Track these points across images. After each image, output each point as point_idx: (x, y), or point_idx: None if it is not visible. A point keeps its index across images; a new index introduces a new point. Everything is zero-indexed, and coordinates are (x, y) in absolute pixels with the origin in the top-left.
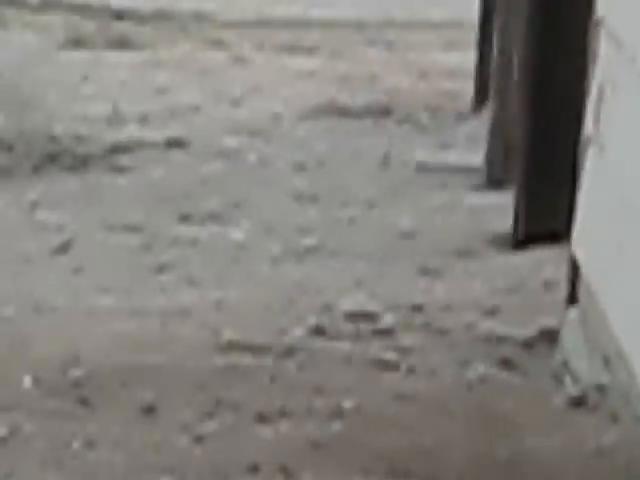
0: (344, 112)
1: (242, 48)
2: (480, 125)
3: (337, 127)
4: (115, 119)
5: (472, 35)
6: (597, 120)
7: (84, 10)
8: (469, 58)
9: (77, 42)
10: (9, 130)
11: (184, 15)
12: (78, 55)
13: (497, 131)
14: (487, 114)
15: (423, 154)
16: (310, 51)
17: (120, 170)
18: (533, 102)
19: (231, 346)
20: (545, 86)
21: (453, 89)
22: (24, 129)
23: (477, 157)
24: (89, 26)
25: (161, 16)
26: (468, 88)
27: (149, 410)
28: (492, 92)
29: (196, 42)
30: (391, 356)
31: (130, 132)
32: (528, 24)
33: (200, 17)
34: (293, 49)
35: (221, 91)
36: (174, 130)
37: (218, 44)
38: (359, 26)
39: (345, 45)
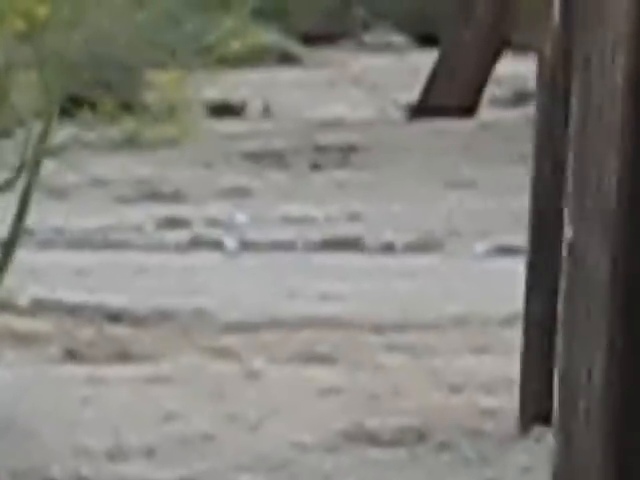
0: (373, 439)
1: (252, 359)
2: (532, 453)
3: (367, 459)
4: (118, 453)
5: (498, 336)
6: None
7: (77, 311)
8: (502, 364)
9: (73, 355)
10: (1, 469)
11: (183, 315)
12: (75, 371)
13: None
14: (537, 438)
15: None
16: (326, 361)
17: None
18: None
19: None
20: None
21: (492, 406)
22: (18, 469)
23: None
24: (84, 334)
25: (160, 318)
26: (510, 404)
27: None
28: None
29: (201, 352)
30: None
31: (135, 470)
32: None
33: (201, 317)
34: (308, 359)
35: (235, 415)
36: (185, 466)
37: (225, 354)
38: (375, 328)
39: (363, 352)
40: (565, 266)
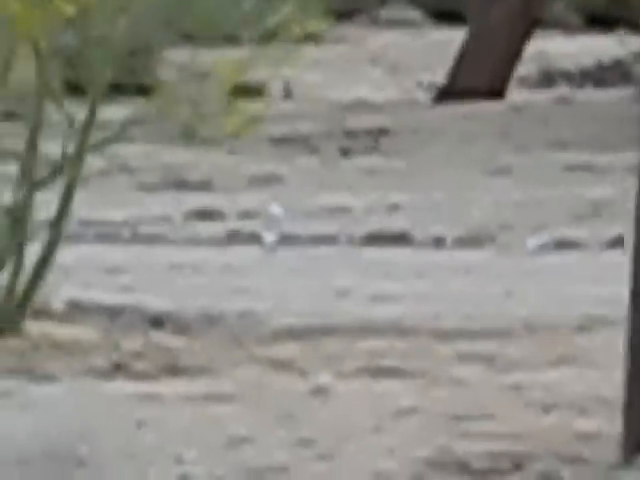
0: (464, 468)
1: (316, 373)
2: None
3: None
4: None
5: (575, 345)
6: None
7: (116, 315)
8: (587, 378)
9: (120, 367)
10: None
11: (231, 319)
12: (125, 387)
13: None
14: None
15: None
16: (397, 374)
17: None
18: None
19: None
20: None
21: (589, 429)
22: None
23: None
24: (130, 343)
25: (206, 323)
26: (608, 427)
27: None
28: None
29: (259, 363)
30: None
31: None
32: None
33: (250, 321)
34: (376, 371)
35: (307, 441)
36: None
37: (286, 367)
38: (442, 335)
39: (434, 363)
40: None
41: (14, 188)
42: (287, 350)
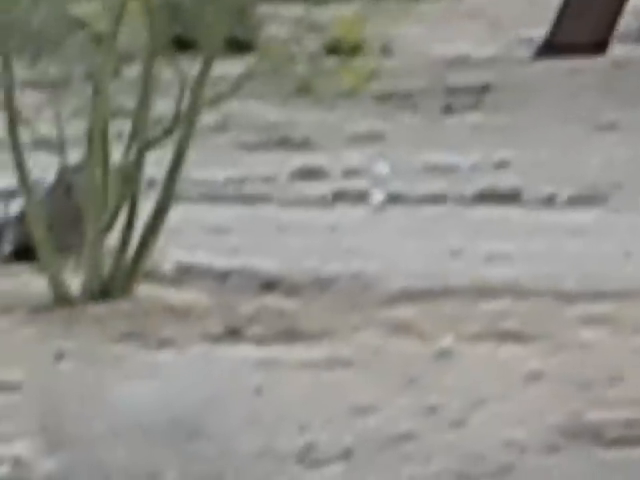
0: (598, 437)
1: (438, 336)
2: None
3: (594, 460)
4: (311, 456)
5: None
6: None
7: (226, 278)
8: None
9: (235, 332)
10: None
11: (344, 282)
12: (242, 352)
13: None
14: None
15: None
16: (521, 338)
17: None
18: None
19: None
20: None
21: None
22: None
23: None
24: (243, 307)
25: (319, 286)
26: None
27: None
28: None
29: (377, 327)
30: None
31: (333, 476)
32: None
33: (364, 283)
34: (500, 335)
35: (435, 408)
36: (390, 471)
37: (406, 330)
38: (564, 297)
39: (559, 326)
40: None
41: (125, 147)
42: (406, 313)
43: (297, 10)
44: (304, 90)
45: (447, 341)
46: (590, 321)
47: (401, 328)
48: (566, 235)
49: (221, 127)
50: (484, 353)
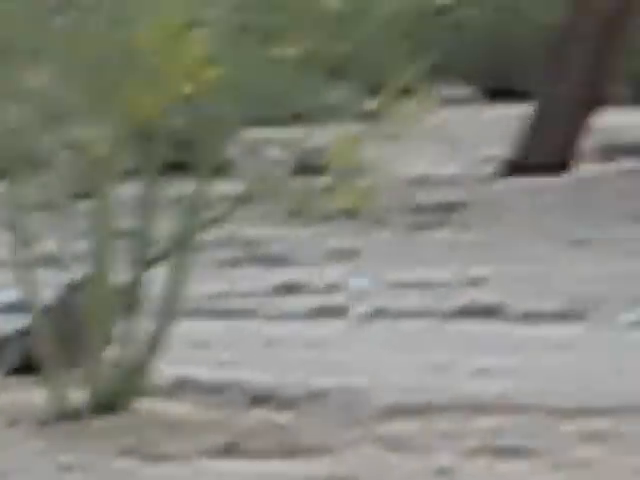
0: None
1: (436, 452)
2: None
3: None
4: None
5: None
6: None
7: (219, 392)
8: None
9: (236, 448)
10: None
11: (337, 396)
12: (245, 469)
13: None
14: None
15: None
16: (520, 453)
17: None
18: None
19: None
20: None
21: None
22: None
23: None
24: (242, 421)
25: (310, 397)
26: None
27: None
28: None
29: (374, 441)
30: None
31: None
32: None
33: (357, 398)
34: (499, 451)
35: None
36: None
37: (404, 445)
38: (552, 411)
39: (548, 438)
40: None
41: (125, 266)
42: (401, 428)
43: (293, 132)
44: (297, 212)
45: (446, 457)
46: (587, 438)
47: (399, 443)
48: (548, 350)
49: (201, 245)
50: (483, 469)
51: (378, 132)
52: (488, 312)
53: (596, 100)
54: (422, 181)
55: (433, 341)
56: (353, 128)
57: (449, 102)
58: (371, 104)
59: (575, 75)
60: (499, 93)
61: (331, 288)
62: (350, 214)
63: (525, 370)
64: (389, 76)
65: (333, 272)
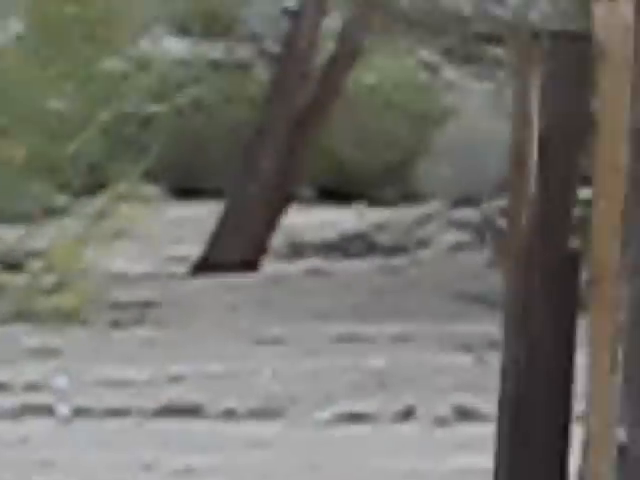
0: None
1: None
2: None
3: None
4: None
5: None
6: None
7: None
8: None
9: None
10: None
11: None
12: None
13: None
14: None
15: None
16: None
17: None
18: None
19: None
20: None
21: None
22: None
23: None
24: None
25: None
26: None
27: None
28: None
29: None
30: None
31: None
32: None
33: None
34: None
35: None
36: None
37: None
38: None
39: None
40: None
41: None
42: None
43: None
44: (24, 313)
45: None
46: None
47: None
48: (248, 448)
49: None
50: None
51: (100, 232)
52: (188, 410)
53: (284, 200)
54: (118, 278)
55: (137, 440)
56: (72, 227)
57: (133, 200)
58: (91, 204)
59: (264, 175)
60: (187, 192)
61: (34, 387)
62: (70, 314)
63: (227, 468)
64: (108, 177)
65: (35, 370)
